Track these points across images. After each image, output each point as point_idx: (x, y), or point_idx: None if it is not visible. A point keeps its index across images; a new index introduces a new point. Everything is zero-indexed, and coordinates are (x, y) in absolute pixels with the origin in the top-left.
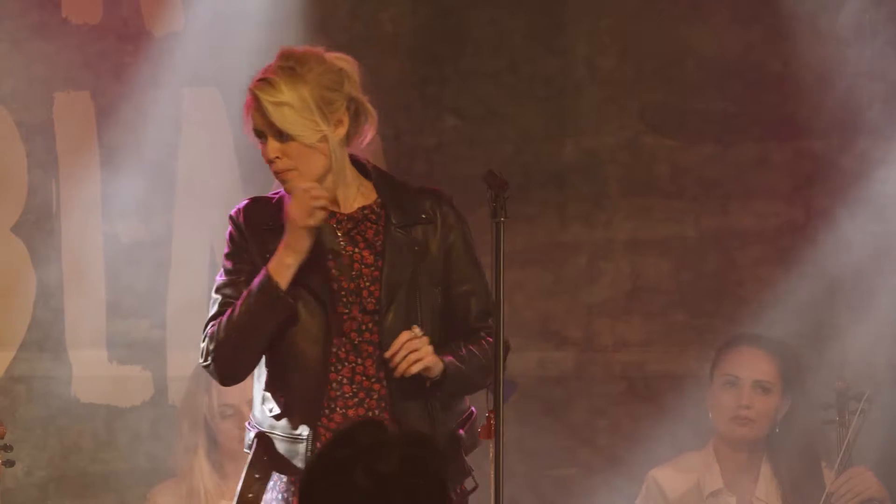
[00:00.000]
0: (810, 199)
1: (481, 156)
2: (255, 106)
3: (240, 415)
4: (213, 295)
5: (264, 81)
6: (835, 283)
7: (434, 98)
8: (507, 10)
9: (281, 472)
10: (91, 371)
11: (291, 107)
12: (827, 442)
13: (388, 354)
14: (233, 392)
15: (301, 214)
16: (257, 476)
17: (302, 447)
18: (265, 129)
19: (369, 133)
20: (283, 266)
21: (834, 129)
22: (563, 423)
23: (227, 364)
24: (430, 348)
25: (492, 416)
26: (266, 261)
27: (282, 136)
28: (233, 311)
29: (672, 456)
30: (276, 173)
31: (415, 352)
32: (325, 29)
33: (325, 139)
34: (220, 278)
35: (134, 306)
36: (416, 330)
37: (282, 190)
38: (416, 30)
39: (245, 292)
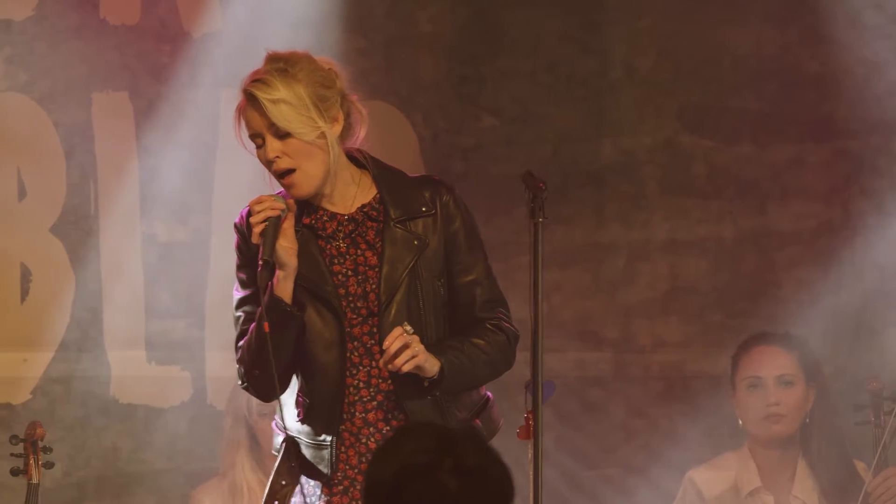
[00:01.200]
0: (847, 199)
1: (519, 156)
2: (252, 106)
3: None
4: (235, 312)
5: (258, 81)
6: (871, 283)
7: (471, 98)
8: (545, 11)
9: (308, 476)
10: (130, 371)
11: (289, 104)
12: (860, 440)
13: (383, 359)
14: None
15: (251, 233)
16: (283, 482)
17: (326, 453)
18: (262, 130)
19: (362, 132)
20: (278, 281)
21: (871, 129)
22: (600, 424)
23: (262, 385)
24: (421, 347)
25: (530, 416)
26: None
27: (280, 135)
28: (251, 334)
29: (710, 456)
30: (277, 174)
31: (408, 348)
32: (362, 29)
33: (323, 136)
34: (237, 293)
35: (172, 307)
36: (407, 328)
37: (280, 192)
38: (453, 30)
39: (258, 314)
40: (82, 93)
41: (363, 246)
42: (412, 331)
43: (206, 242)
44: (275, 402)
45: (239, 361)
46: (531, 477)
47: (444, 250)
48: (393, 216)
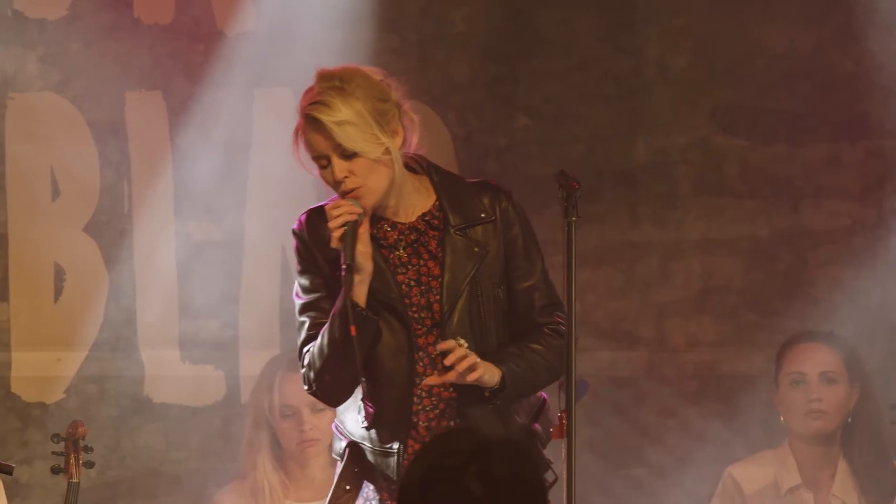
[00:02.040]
0: (881, 198)
1: (552, 155)
2: (314, 129)
3: (299, 416)
4: (299, 318)
5: (319, 104)
6: None
7: (505, 98)
8: (579, 10)
9: (371, 482)
10: (163, 371)
11: (353, 124)
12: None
13: (447, 362)
14: (294, 393)
15: (330, 237)
16: (347, 488)
17: (393, 460)
18: (328, 151)
19: (414, 139)
20: (355, 285)
21: None
22: (634, 423)
23: (331, 390)
24: (479, 360)
25: (563, 415)
26: (338, 279)
27: (346, 155)
28: (322, 337)
29: (743, 456)
30: (345, 193)
31: (465, 358)
32: (396, 28)
33: (387, 151)
34: (299, 299)
35: (206, 306)
36: (461, 342)
37: (334, 198)
38: (487, 29)
39: (329, 319)
40: (116, 92)
41: (425, 256)
42: (466, 345)
43: (239, 241)
44: (299, 404)
45: (308, 367)
46: (564, 476)
47: (503, 256)
48: (453, 223)
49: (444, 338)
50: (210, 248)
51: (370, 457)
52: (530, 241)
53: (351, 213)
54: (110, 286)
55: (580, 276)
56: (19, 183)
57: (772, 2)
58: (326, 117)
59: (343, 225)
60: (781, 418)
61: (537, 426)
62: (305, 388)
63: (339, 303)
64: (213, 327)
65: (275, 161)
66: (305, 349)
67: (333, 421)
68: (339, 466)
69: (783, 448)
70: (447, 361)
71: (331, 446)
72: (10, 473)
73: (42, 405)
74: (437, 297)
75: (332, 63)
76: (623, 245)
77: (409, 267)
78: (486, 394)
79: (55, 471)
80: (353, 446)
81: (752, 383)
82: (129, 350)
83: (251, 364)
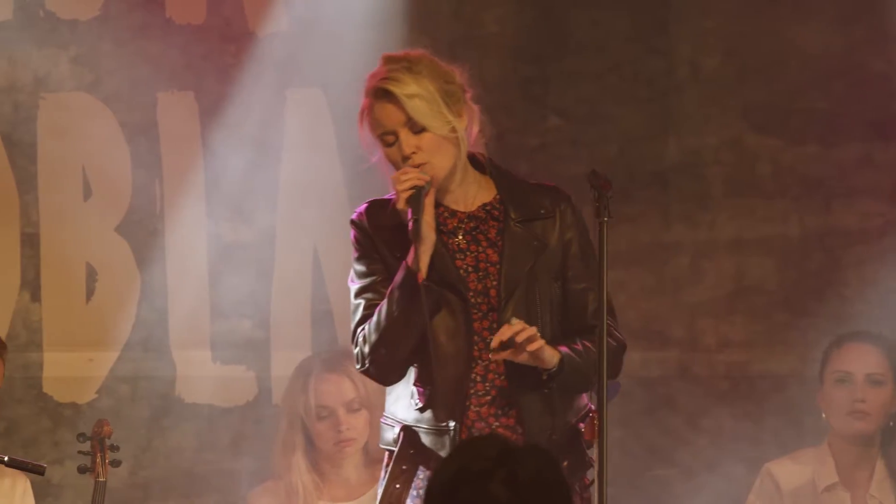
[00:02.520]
0: None
1: (584, 156)
2: (385, 103)
3: (335, 416)
4: (354, 300)
5: (389, 79)
6: None
7: (537, 98)
8: (610, 11)
9: (425, 466)
10: (195, 371)
11: (423, 98)
12: None
13: (503, 336)
14: (329, 394)
15: (395, 200)
16: (404, 467)
17: (447, 439)
18: (397, 127)
19: (474, 129)
20: (416, 255)
21: None
22: (665, 424)
23: (386, 364)
24: (540, 338)
25: (595, 415)
26: (398, 261)
27: (416, 130)
28: (380, 312)
29: (776, 456)
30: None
31: (526, 329)
32: (427, 29)
33: (454, 130)
34: (355, 283)
35: (237, 306)
36: (514, 321)
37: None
38: (519, 30)
39: (388, 291)
40: (147, 92)
41: (484, 243)
42: (519, 322)
43: (271, 242)
44: (335, 405)
45: (363, 343)
46: (596, 475)
47: (560, 254)
48: (513, 216)
49: (500, 324)
50: (241, 249)
51: (424, 438)
52: (586, 244)
53: (419, 179)
54: (142, 286)
55: (612, 276)
56: (51, 183)
57: (804, 2)
58: (398, 90)
59: (411, 188)
60: (823, 415)
61: (581, 426)
62: (358, 366)
63: (398, 277)
64: (244, 327)
65: (306, 161)
66: (360, 328)
67: (368, 420)
68: (396, 449)
69: (822, 447)
70: (507, 334)
71: (365, 447)
72: (42, 474)
73: (74, 405)
74: (495, 283)
75: (363, 64)
76: (655, 245)
77: (468, 253)
78: (544, 376)
79: (81, 470)
80: (407, 430)
81: (784, 383)
82: (161, 350)
83: (282, 364)
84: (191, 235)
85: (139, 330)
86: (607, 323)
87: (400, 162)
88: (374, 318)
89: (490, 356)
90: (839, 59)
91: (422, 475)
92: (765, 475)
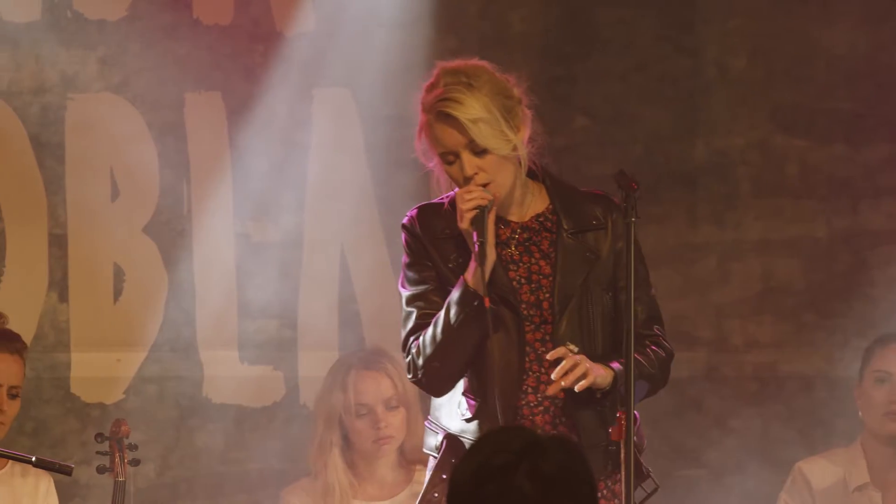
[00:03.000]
0: None
1: (611, 156)
2: (446, 124)
3: (373, 414)
4: (406, 308)
5: (450, 100)
6: None
7: (564, 98)
8: (637, 11)
9: None
10: (222, 371)
11: (486, 121)
12: None
13: (555, 377)
14: (368, 391)
15: (458, 219)
16: (444, 476)
17: None
18: (459, 148)
19: (526, 135)
20: (476, 272)
21: None
22: (693, 424)
23: (438, 377)
24: (589, 365)
25: (622, 416)
26: (450, 269)
27: (477, 151)
28: (435, 325)
29: (803, 456)
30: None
31: (577, 367)
32: (454, 29)
33: (515, 148)
34: (406, 290)
35: (265, 306)
36: (572, 347)
37: (448, 195)
38: (545, 30)
39: (445, 305)
40: (175, 93)
41: (537, 255)
42: (577, 350)
43: (298, 242)
44: (373, 403)
45: (416, 355)
46: (623, 476)
47: (612, 264)
48: (566, 227)
49: (554, 338)
50: (269, 248)
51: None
52: (639, 256)
53: (483, 198)
54: (169, 287)
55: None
56: (79, 184)
57: (831, 2)
58: (461, 114)
59: (475, 208)
60: (859, 413)
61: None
62: (410, 376)
63: (455, 293)
64: (271, 327)
65: (333, 161)
66: (413, 338)
67: (405, 419)
68: (438, 457)
69: (855, 446)
70: (555, 376)
71: (401, 447)
72: (69, 474)
73: (101, 406)
74: (547, 295)
75: (391, 64)
76: (682, 246)
77: (520, 264)
78: (598, 395)
79: (100, 470)
80: (451, 438)
81: (812, 384)
82: (188, 350)
83: (310, 364)
84: (218, 235)
85: (166, 330)
86: (655, 331)
87: (461, 180)
88: (430, 330)
89: (548, 392)
90: (866, 59)
91: None
92: (796, 474)
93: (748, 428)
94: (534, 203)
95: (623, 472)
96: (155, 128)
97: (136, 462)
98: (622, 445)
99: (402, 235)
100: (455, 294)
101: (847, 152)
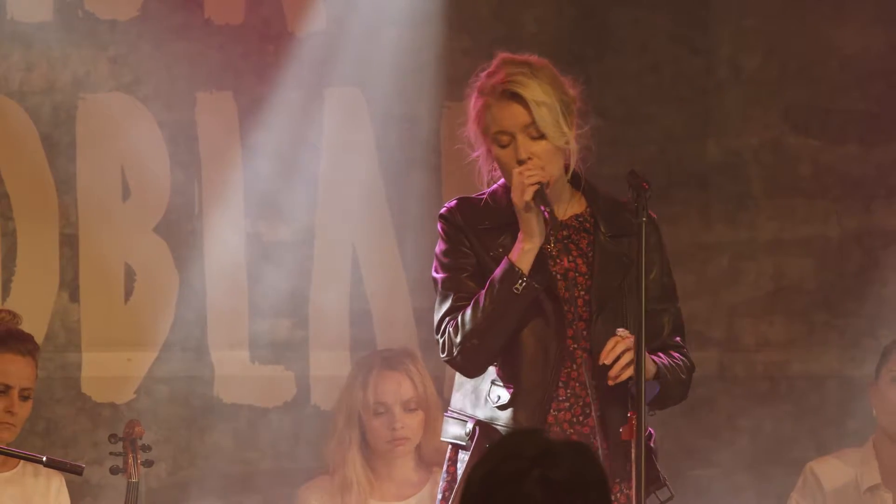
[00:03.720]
0: None
1: (624, 156)
2: (509, 105)
3: (391, 414)
4: (442, 291)
5: (517, 82)
6: None
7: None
8: (651, 11)
9: None
10: (233, 371)
11: (548, 107)
12: None
13: (602, 361)
14: (388, 391)
15: (517, 194)
16: None
17: None
18: (516, 129)
19: (576, 135)
20: (523, 252)
21: None
22: (704, 423)
23: (475, 355)
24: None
25: (633, 416)
26: (492, 258)
27: (535, 136)
28: (476, 303)
29: (814, 456)
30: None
31: (628, 352)
32: (467, 29)
33: (567, 142)
34: (440, 275)
35: (276, 306)
36: (622, 332)
37: (487, 191)
38: (558, 30)
39: (488, 283)
40: (186, 92)
41: (574, 252)
42: (627, 333)
43: (309, 242)
44: (392, 402)
45: (454, 333)
46: (633, 476)
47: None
48: (603, 230)
49: (592, 337)
50: (280, 249)
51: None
52: (668, 269)
53: (542, 176)
54: (180, 286)
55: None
56: (90, 183)
57: (845, 2)
58: (528, 94)
59: (536, 183)
60: (874, 411)
61: (651, 442)
62: (443, 355)
63: (499, 271)
64: (282, 327)
65: (344, 161)
66: (449, 318)
67: (423, 422)
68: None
69: (867, 447)
70: (604, 358)
71: (418, 448)
72: (80, 474)
73: (112, 405)
74: (583, 293)
75: (402, 64)
76: (694, 245)
77: (558, 261)
78: (629, 385)
79: (114, 471)
80: (483, 425)
81: (824, 384)
82: (200, 350)
83: (321, 364)
84: (229, 235)
85: (177, 330)
86: (682, 343)
87: (511, 163)
88: (469, 309)
89: (611, 378)
90: (879, 59)
91: None
92: (808, 474)
93: (759, 427)
94: (573, 205)
95: (633, 471)
96: (166, 127)
97: (149, 463)
98: (633, 445)
99: (439, 225)
100: (498, 272)
101: (860, 152)
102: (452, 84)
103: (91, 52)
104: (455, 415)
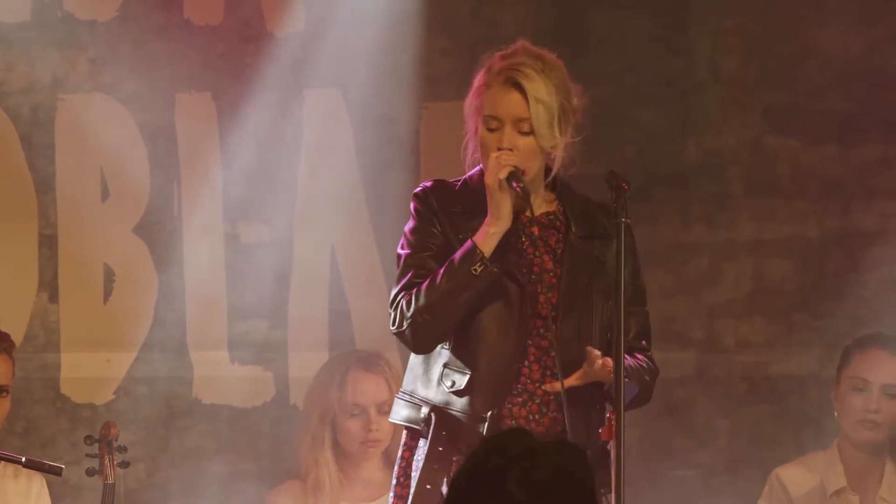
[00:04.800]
0: None
1: (603, 156)
2: (508, 92)
3: (366, 415)
4: (402, 267)
5: (524, 73)
6: None
7: None
8: (630, 11)
9: (458, 451)
10: (212, 372)
11: (547, 107)
12: None
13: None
14: (364, 392)
15: (491, 173)
16: (440, 449)
17: (483, 427)
18: (509, 119)
19: (567, 143)
20: (487, 235)
21: None
22: (684, 424)
23: (424, 330)
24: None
25: (612, 416)
26: (460, 240)
27: (522, 131)
28: (433, 280)
29: (794, 457)
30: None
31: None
32: (446, 29)
33: (554, 147)
34: (404, 251)
35: (255, 307)
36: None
37: (464, 176)
38: (538, 30)
39: (447, 262)
40: (166, 93)
41: (542, 249)
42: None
43: (288, 243)
44: (367, 404)
45: (406, 306)
46: (613, 476)
47: (614, 277)
48: (574, 230)
49: (559, 336)
50: (259, 250)
51: (457, 423)
52: (637, 270)
53: (519, 163)
54: (159, 287)
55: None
56: (69, 184)
57: (824, 2)
58: (530, 88)
59: (512, 166)
60: (836, 414)
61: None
62: (393, 328)
63: (461, 250)
64: (261, 328)
65: (324, 162)
66: (403, 292)
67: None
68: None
69: (831, 450)
70: (594, 361)
71: (386, 450)
72: (59, 474)
73: (92, 406)
74: (546, 290)
75: (380, 65)
76: (674, 246)
77: (524, 255)
78: (606, 387)
79: (90, 473)
80: (438, 411)
81: (803, 384)
82: (179, 351)
83: (300, 365)
84: (208, 236)
85: (157, 331)
86: (644, 346)
87: (492, 148)
88: (427, 283)
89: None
90: (859, 59)
91: (455, 459)
92: (773, 481)
93: (739, 428)
94: (545, 204)
95: (613, 471)
96: (145, 128)
97: (125, 464)
98: (612, 445)
99: (412, 203)
100: (461, 251)
101: (839, 153)
102: (432, 85)
103: (70, 53)
104: (406, 397)
